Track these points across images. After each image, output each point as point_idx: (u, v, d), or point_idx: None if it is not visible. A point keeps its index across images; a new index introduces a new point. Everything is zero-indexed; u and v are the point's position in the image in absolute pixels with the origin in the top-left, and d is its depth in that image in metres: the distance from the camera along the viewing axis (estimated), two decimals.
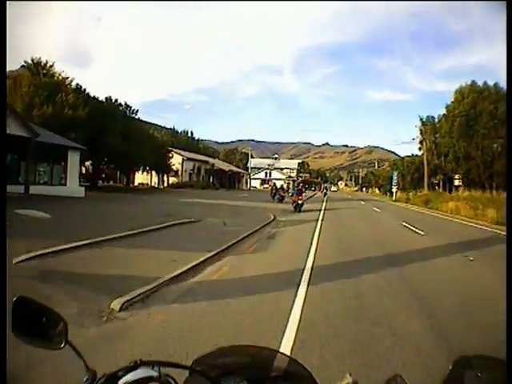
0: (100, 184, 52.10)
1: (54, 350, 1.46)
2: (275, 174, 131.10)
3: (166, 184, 69.61)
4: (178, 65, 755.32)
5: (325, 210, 36.28)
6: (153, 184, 69.10)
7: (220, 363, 1.33)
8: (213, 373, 1.23)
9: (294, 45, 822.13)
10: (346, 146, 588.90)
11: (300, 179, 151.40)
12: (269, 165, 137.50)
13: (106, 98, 48.30)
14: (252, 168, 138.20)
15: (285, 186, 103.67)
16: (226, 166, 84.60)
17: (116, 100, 49.07)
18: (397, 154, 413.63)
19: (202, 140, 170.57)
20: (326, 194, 75.02)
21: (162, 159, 59.07)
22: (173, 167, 65.56)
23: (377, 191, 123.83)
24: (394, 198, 70.01)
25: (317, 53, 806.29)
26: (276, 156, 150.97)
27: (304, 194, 39.63)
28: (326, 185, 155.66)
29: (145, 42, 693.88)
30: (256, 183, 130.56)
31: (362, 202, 52.77)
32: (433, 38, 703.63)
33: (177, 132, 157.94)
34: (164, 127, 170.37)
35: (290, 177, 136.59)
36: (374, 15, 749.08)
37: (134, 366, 1.22)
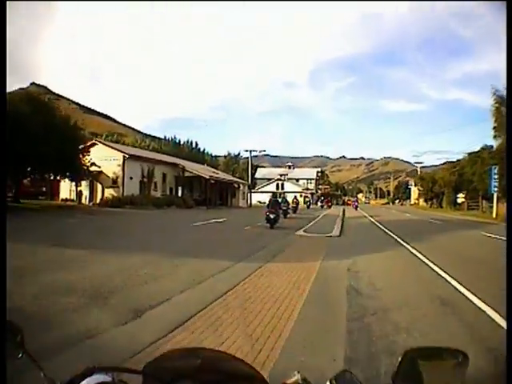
0: None
1: (10, 360, 1.39)
2: (289, 187, 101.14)
3: (100, 199, 40.16)
4: (193, 83, 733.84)
5: None
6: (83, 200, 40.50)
7: (172, 366, 1.23)
8: (165, 377, 1.18)
9: (308, 59, 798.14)
10: (363, 158, 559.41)
11: (319, 192, 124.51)
12: (281, 175, 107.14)
13: None
14: (259, 179, 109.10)
15: (301, 199, 74.23)
16: (207, 173, 53.91)
17: None
18: (413, 165, 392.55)
19: (216, 156, 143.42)
20: (357, 206, 66.76)
21: (71, 154, 29.76)
22: (101, 169, 36.46)
23: (421, 203, 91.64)
24: (494, 213, 39.42)
25: (331, 66, 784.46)
26: (290, 164, 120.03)
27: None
28: (348, 198, 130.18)
29: (158, 61, 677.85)
30: (265, 198, 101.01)
31: None
32: (444, 46, 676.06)
33: (178, 143, 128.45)
34: (164, 138, 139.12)
35: (307, 189, 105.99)
36: (385, 26, 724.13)
37: (90, 373, 1.20)
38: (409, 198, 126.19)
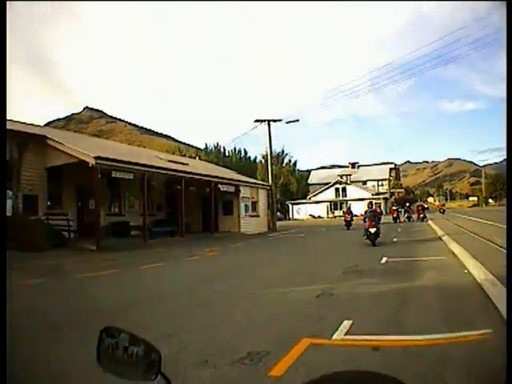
0: None
1: (144, 381, 1.34)
2: (354, 192, 71.20)
3: None
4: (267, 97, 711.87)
5: None
6: None
7: None
8: None
9: (366, 66, 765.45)
10: (427, 161, 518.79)
11: (393, 197, 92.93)
12: (341, 176, 77.51)
13: None
14: (315, 185, 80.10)
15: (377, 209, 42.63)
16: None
17: None
18: (476, 164, 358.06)
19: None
20: (444, 210, 54.92)
21: None
22: None
23: None
24: None
25: (388, 71, 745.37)
26: (354, 162, 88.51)
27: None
28: (419, 204, 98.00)
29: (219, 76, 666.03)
30: (320, 210, 71.88)
31: None
32: (494, 41, 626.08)
33: (224, 152, 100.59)
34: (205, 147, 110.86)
35: (378, 194, 76.46)
36: (436, 26, 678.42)
37: None
38: None
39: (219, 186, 32.06)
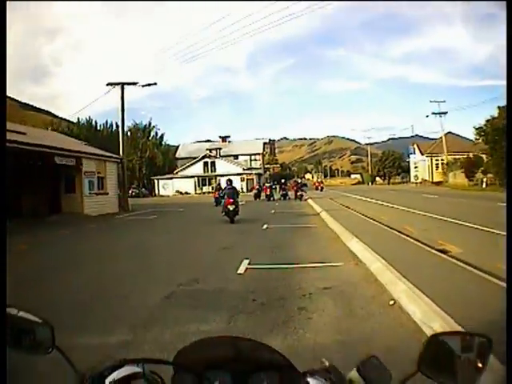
0: None
1: (41, 355, 1.37)
2: (224, 167, 67.48)
3: None
4: (131, 72, 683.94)
5: None
6: None
7: (203, 356, 1.22)
8: (197, 367, 1.18)
9: (245, 42, 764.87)
10: (305, 138, 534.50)
11: (267, 173, 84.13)
12: (211, 150, 72.82)
13: None
14: (183, 159, 74.53)
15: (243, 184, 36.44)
16: None
17: None
18: (358, 142, 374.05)
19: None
20: (322, 188, 59.05)
21: None
22: None
23: (453, 179, 58.97)
24: None
25: (269, 48, 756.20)
26: (224, 135, 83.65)
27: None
28: (295, 180, 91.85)
29: (89, 52, 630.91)
30: (187, 185, 66.43)
31: None
32: (385, 25, 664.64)
33: (95, 125, 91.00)
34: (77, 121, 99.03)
35: (250, 168, 72.86)
36: (323, 6, 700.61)
37: (120, 365, 1.19)
38: (400, 174, 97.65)
39: (55, 158, 25.43)
